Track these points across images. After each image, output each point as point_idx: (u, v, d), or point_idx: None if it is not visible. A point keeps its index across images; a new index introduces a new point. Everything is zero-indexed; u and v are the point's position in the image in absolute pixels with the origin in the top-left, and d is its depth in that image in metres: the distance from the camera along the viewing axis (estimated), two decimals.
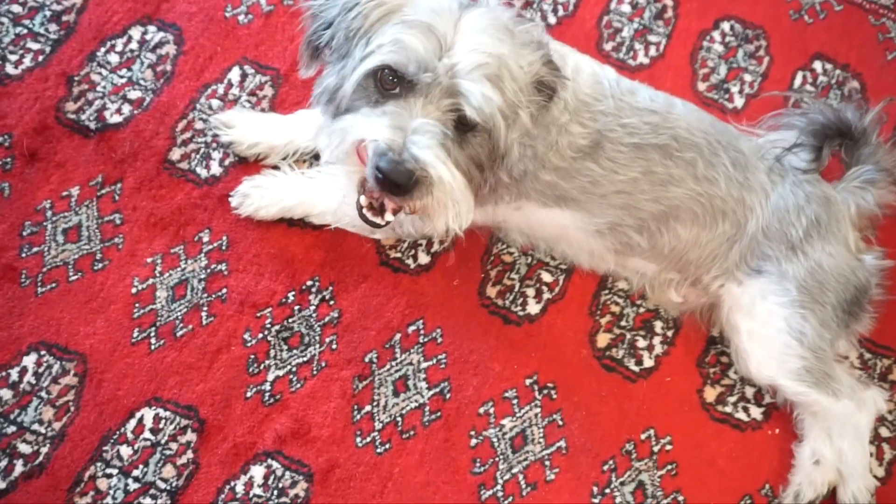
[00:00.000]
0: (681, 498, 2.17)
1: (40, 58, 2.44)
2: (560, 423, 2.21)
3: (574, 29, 2.69)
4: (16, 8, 2.50)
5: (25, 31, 2.47)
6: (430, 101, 1.73)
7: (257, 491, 2.05)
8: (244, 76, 2.50)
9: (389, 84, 1.75)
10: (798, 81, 2.75)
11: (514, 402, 2.22)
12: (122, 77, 2.45)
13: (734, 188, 2.14)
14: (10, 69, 2.40)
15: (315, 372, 2.18)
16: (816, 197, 2.17)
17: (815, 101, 2.52)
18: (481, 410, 2.20)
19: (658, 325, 2.35)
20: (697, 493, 2.18)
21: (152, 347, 2.15)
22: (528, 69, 1.82)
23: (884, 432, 2.28)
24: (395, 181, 1.71)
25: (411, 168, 1.70)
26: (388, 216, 1.90)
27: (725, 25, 2.81)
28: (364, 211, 1.90)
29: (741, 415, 2.28)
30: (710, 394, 2.29)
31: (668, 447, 2.21)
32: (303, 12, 1.95)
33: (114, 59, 2.47)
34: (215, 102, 2.45)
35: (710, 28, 2.80)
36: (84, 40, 2.48)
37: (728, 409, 2.28)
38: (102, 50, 2.48)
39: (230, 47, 2.54)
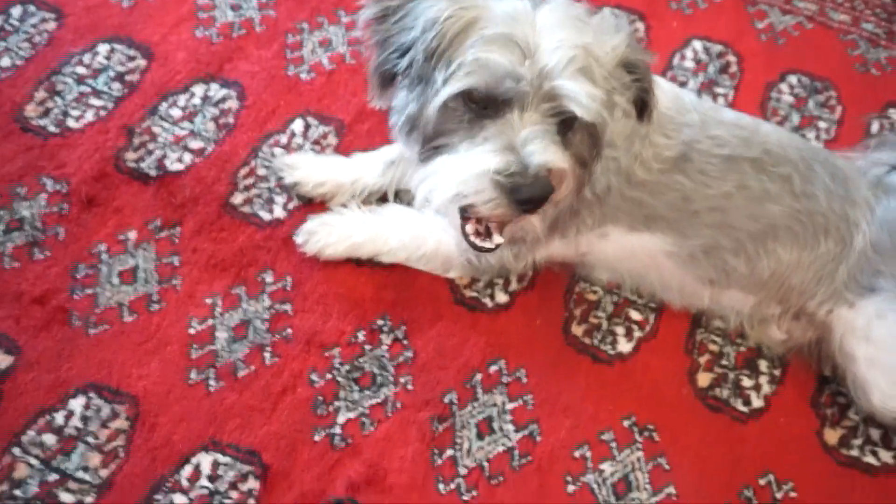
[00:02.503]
0: None
1: (102, 112, 2.38)
2: (666, 466, 1.95)
3: None
4: (80, 69, 2.46)
5: (89, 89, 2.42)
6: (530, 109, 1.58)
7: None
8: (307, 126, 2.43)
9: (481, 104, 1.60)
10: (875, 128, 2.63)
11: (613, 444, 1.98)
12: (183, 129, 2.39)
13: (836, 203, 1.99)
14: (71, 123, 2.35)
15: (389, 413, 1.97)
16: None
17: None
18: (576, 454, 1.96)
19: (763, 364, 2.14)
20: None
21: (210, 388, 1.96)
22: (613, 53, 1.69)
23: None
24: (541, 198, 1.57)
25: (545, 179, 1.56)
26: (497, 238, 1.74)
27: (792, 78, 2.73)
28: (472, 238, 1.74)
29: (870, 458, 2.02)
30: (832, 436, 2.04)
31: (793, 494, 1.95)
32: (365, 40, 1.82)
33: (176, 112, 2.42)
34: (278, 150, 2.36)
35: (776, 80, 2.72)
36: (146, 96, 2.44)
37: (854, 452, 2.02)
38: (164, 105, 2.43)
39: (293, 101, 2.49)
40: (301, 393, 1.98)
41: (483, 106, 1.59)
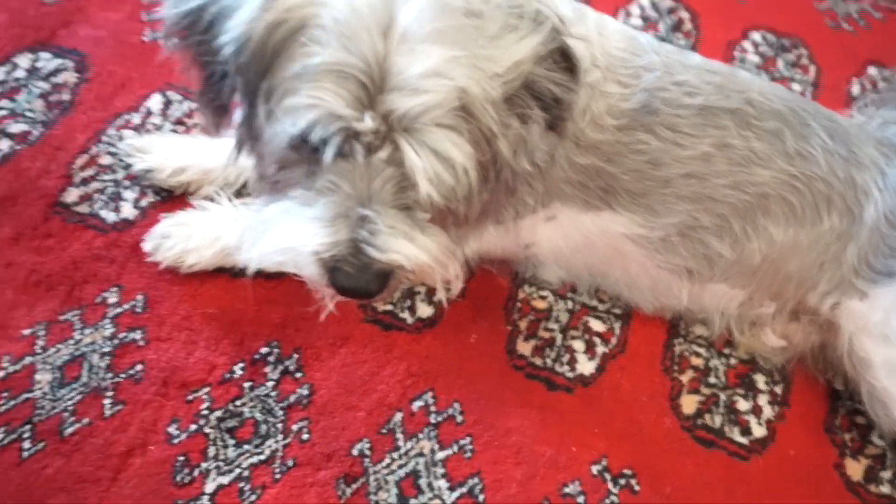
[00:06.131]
0: None
1: None
2: None
3: None
4: None
5: None
6: (377, 157, 1.16)
7: None
8: (167, 103, 1.90)
9: (315, 149, 1.16)
10: (856, 90, 2.24)
11: (581, 500, 1.48)
12: (1, 109, 1.81)
13: (838, 166, 1.58)
14: None
15: (279, 475, 1.46)
16: None
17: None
18: None
19: (760, 380, 1.70)
20: None
21: (24, 455, 1.39)
22: (514, 70, 1.21)
23: None
24: (366, 291, 1.22)
25: (377, 268, 1.19)
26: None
27: (756, 36, 2.32)
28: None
29: None
30: (855, 469, 1.62)
31: None
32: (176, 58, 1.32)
33: None
34: (129, 133, 1.81)
35: (739, 38, 2.32)
36: None
37: (885, 488, 1.58)
38: None
39: (149, 73, 1.95)
40: (154, 453, 1.45)
41: (316, 149, 1.16)
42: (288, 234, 1.22)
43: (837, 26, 2.45)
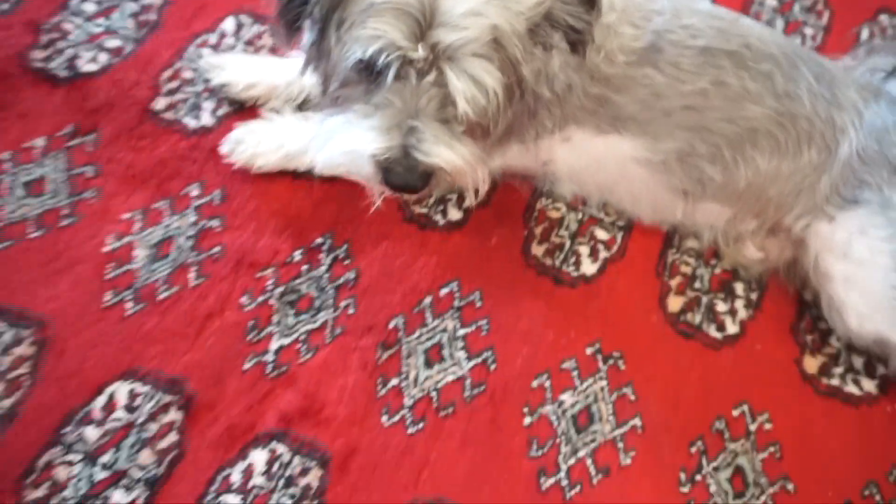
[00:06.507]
0: (790, 486, 1.74)
1: (4, 6, 2.09)
2: (632, 397, 1.79)
3: None
4: None
5: None
6: (426, 82, 1.45)
7: (259, 480, 1.60)
8: (240, 26, 2.18)
9: (376, 72, 1.45)
10: (865, 35, 2.44)
11: (575, 373, 1.80)
12: (98, 26, 2.12)
13: (821, 106, 1.80)
14: None
15: (329, 340, 1.77)
16: None
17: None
18: (535, 384, 1.78)
19: (739, 287, 1.97)
20: (809, 479, 1.75)
21: (128, 312, 1.74)
22: (537, 8, 1.49)
23: None
24: (412, 187, 1.52)
25: (422, 169, 1.48)
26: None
27: None
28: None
29: (852, 388, 1.87)
30: (811, 364, 1.89)
31: (768, 425, 1.79)
32: None
33: (90, 7, 2.15)
34: (206, 51, 2.10)
35: None
36: None
37: (835, 381, 1.88)
38: None
39: None
40: (230, 317, 1.77)
41: (378, 72, 1.44)
42: (350, 140, 1.50)
43: None
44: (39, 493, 1.54)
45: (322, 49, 1.54)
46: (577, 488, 1.68)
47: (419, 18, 1.39)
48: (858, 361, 1.90)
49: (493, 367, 1.79)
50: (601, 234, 1.99)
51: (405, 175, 1.49)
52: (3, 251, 1.78)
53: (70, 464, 1.57)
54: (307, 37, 1.58)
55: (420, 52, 1.41)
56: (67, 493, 1.54)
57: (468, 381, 1.76)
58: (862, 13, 2.50)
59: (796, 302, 1.96)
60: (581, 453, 1.71)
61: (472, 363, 1.79)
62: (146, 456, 1.60)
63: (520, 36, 1.49)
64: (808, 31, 2.43)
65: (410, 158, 1.48)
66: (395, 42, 1.40)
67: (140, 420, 1.63)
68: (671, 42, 1.77)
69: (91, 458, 1.58)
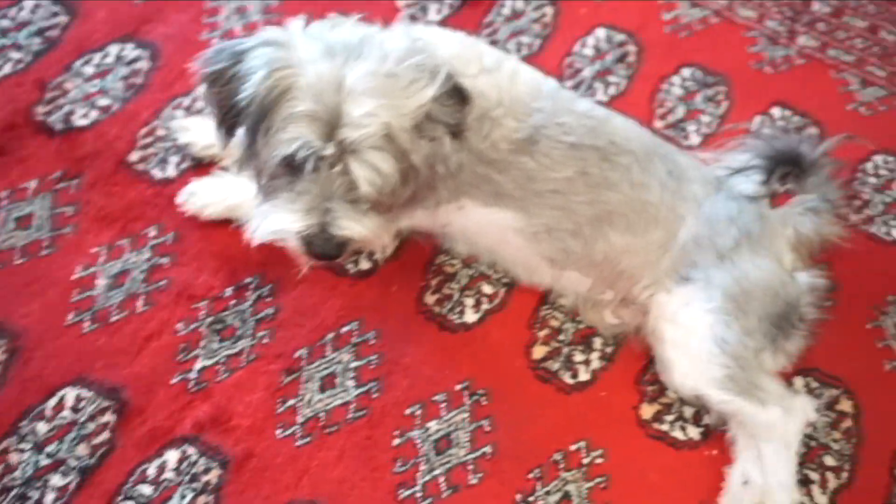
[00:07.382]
0: None
1: (20, 66, 2.56)
2: (488, 428, 2.16)
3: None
4: (4, 22, 2.64)
5: (9, 43, 2.60)
6: (336, 171, 1.82)
7: (169, 475, 2.01)
8: None
9: (298, 165, 1.82)
10: (756, 124, 2.77)
11: (443, 405, 2.18)
12: (94, 86, 2.57)
13: (668, 196, 2.15)
14: None
15: (244, 364, 2.18)
16: (751, 211, 2.17)
17: (774, 128, 2.55)
18: (407, 412, 2.16)
19: (597, 342, 2.32)
20: None
21: (85, 330, 2.17)
22: (418, 109, 1.86)
23: (829, 461, 2.18)
24: (331, 256, 1.90)
25: (337, 241, 1.86)
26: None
27: (686, 71, 2.86)
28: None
29: (678, 433, 2.21)
30: (647, 411, 2.23)
31: (600, 460, 2.15)
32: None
33: (89, 70, 2.60)
34: (179, 113, 2.53)
35: (672, 72, 2.85)
36: (65, 53, 2.62)
37: (665, 427, 2.21)
38: (80, 62, 2.60)
39: None
40: (166, 340, 2.19)
41: (298, 166, 1.82)
42: (279, 221, 1.85)
43: (759, 67, 2.93)
44: None
45: (253, 150, 1.92)
46: (429, 501, 2.06)
47: (328, 121, 1.78)
48: (689, 411, 2.23)
49: (375, 395, 2.18)
50: (487, 289, 2.36)
51: (324, 246, 1.85)
52: None
53: (22, 451, 2.00)
54: (240, 141, 1.95)
55: (330, 149, 1.79)
56: (17, 474, 1.97)
57: (353, 406, 2.16)
58: (758, 104, 2.82)
59: (645, 358, 2.30)
60: (437, 472, 2.09)
61: (359, 391, 2.18)
62: (82, 449, 2.02)
63: (407, 131, 1.87)
64: (705, 118, 2.75)
65: (327, 233, 1.85)
66: (311, 142, 1.78)
67: (82, 419, 2.06)
68: (546, 136, 2.12)
69: (39, 447, 2.01)
